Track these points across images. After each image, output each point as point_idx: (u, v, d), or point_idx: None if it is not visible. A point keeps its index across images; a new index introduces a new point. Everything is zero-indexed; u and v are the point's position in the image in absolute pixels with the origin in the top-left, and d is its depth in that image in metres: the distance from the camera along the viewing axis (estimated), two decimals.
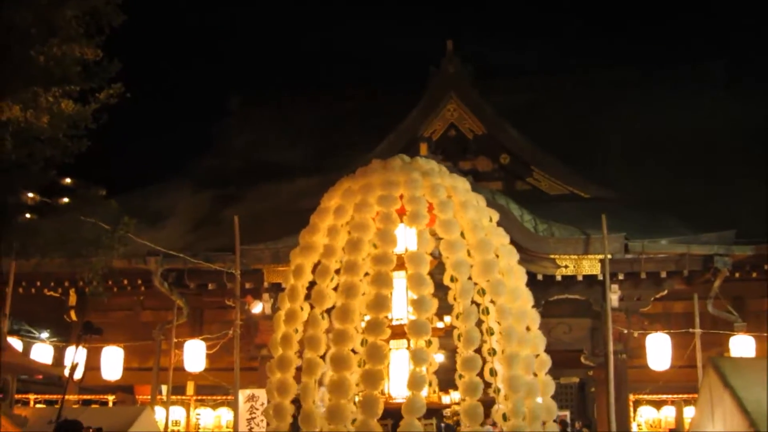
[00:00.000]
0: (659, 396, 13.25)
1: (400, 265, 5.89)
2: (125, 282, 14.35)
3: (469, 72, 16.45)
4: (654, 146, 15.11)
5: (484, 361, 5.77)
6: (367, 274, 5.81)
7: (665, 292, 12.90)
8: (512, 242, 6.53)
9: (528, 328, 6.16)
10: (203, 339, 13.42)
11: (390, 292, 5.69)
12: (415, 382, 5.42)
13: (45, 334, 14.26)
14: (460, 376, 5.66)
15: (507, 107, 16.46)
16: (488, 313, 5.95)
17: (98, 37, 10.23)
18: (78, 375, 13.75)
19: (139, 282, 14.30)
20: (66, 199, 10.00)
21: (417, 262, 5.74)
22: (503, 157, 16.00)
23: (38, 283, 14.53)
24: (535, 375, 6.08)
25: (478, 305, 5.92)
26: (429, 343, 5.84)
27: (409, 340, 5.92)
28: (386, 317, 5.66)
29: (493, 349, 5.90)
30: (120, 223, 9.94)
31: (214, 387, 14.03)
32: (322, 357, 5.88)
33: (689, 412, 11.84)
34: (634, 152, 15.11)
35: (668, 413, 13.28)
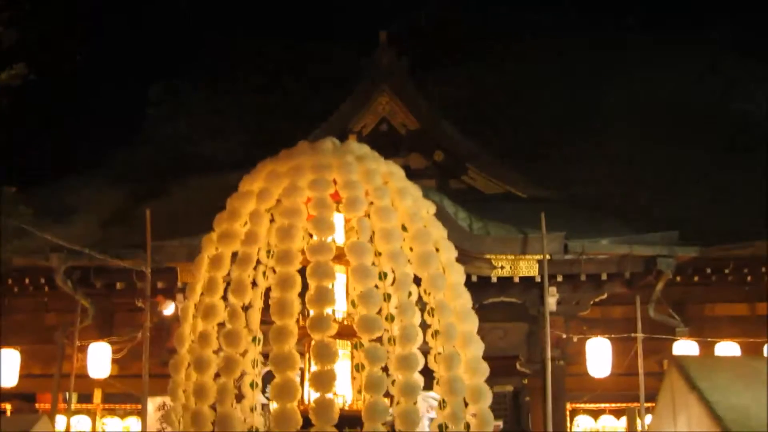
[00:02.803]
0: (597, 405, 12.53)
1: (336, 257, 5.15)
2: (27, 281, 12.94)
3: (404, 65, 15.49)
4: (595, 146, 14.56)
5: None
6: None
7: (605, 295, 12.12)
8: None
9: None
10: (109, 342, 12.18)
11: (331, 283, 4.97)
12: (373, 384, 4.74)
13: None
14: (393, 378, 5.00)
15: (444, 100, 15.72)
16: (425, 311, 5.29)
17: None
18: None
19: (43, 281, 12.84)
20: None
21: (360, 252, 5.02)
22: (437, 153, 15.05)
23: None
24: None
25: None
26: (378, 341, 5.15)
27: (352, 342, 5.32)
28: (329, 313, 4.97)
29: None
30: (15, 214, 8.86)
31: (124, 395, 12.75)
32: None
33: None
34: (576, 151, 14.48)
35: (606, 422, 12.58)
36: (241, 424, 5.09)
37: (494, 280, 11.70)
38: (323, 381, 4.71)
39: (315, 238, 5.05)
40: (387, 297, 5.17)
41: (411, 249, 5.32)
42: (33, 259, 11.82)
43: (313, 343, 4.85)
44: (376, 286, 5.08)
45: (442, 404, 5.13)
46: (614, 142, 14.69)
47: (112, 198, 14.80)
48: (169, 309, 11.72)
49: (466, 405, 5.22)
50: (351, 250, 5.05)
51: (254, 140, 15.42)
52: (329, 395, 4.72)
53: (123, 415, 13.36)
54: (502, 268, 11.73)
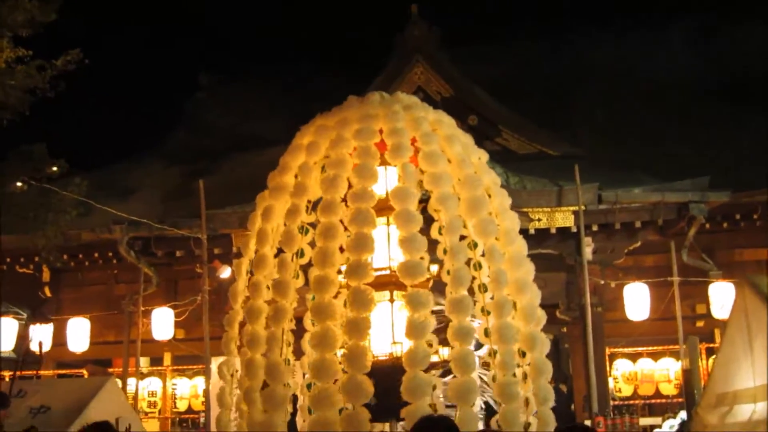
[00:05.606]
0: (635, 349, 12.16)
1: (380, 209, 4.79)
2: (96, 255, 12.97)
3: (435, 35, 15.00)
4: (624, 105, 14.03)
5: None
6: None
7: (639, 243, 11.65)
8: None
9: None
10: (171, 306, 12.08)
11: (372, 231, 4.54)
12: (414, 330, 4.35)
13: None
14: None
15: (473, 75, 15.21)
16: (479, 267, 4.93)
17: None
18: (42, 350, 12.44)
19: (110, 255, 12.87)
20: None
21: (403, 197, 4.62)
22: (471, 118, 14.53)
23: (8, 260, 13.08)
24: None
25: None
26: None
27: (392, 291, 4.86)
28: (369, 260, 4.55)
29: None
30: (72, 184, 8.75)
31: (191, 357, 12.81)
32: None
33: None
34: (604, 111, 13.98)
35: (644, 365, 12.23)
36: (288, 375, 4.79)
37: (532, 232, 11.24)
38: (357, 328, 4.34)
39: (357, 185, 4.66)
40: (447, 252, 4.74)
41: (459, 193, 4.91)
42: (98, 233, 11.75)
43: (350, 289, 4.47)
44: (423, 234, 4.64)
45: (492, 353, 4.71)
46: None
47: (167, 177, 14.70)
48: (225, 273, 11.53)
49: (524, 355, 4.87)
50: (394, 196, 4.66)
51: (300, 121, 15.07)
52: (363, 343, 4.36)
53: (191, 375, 13.36)
54: (539, 220, 11.33)
